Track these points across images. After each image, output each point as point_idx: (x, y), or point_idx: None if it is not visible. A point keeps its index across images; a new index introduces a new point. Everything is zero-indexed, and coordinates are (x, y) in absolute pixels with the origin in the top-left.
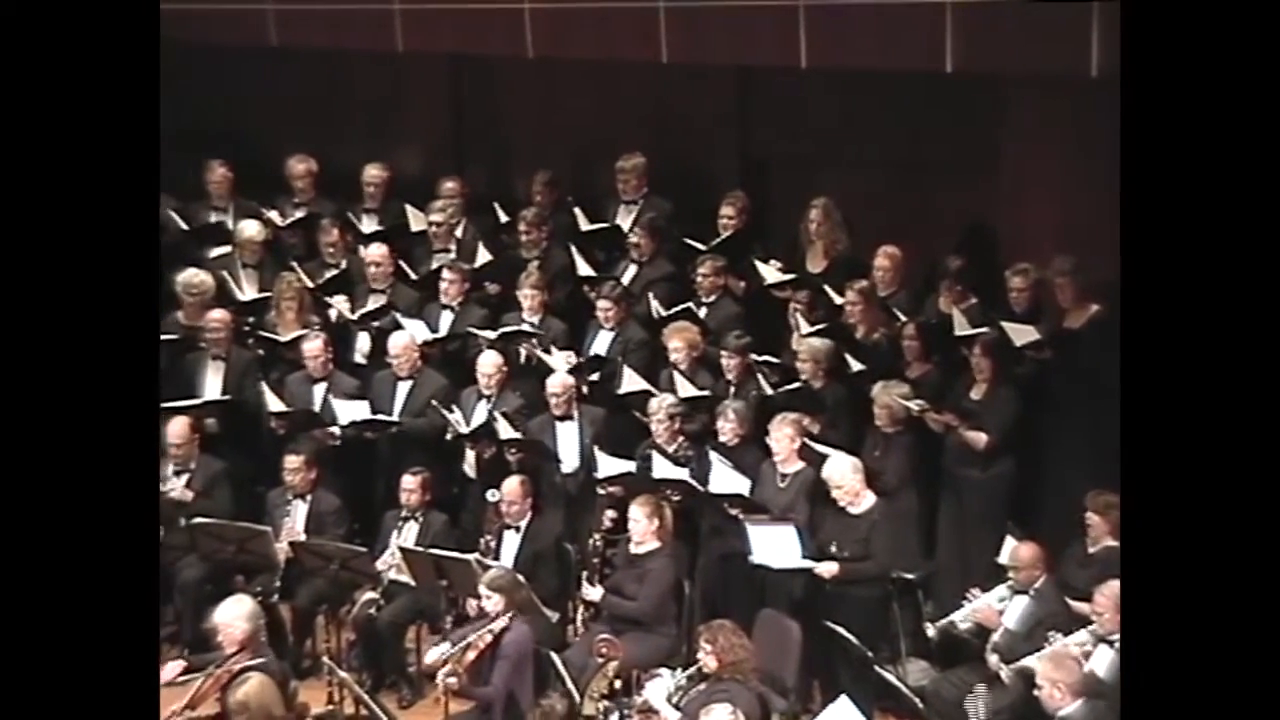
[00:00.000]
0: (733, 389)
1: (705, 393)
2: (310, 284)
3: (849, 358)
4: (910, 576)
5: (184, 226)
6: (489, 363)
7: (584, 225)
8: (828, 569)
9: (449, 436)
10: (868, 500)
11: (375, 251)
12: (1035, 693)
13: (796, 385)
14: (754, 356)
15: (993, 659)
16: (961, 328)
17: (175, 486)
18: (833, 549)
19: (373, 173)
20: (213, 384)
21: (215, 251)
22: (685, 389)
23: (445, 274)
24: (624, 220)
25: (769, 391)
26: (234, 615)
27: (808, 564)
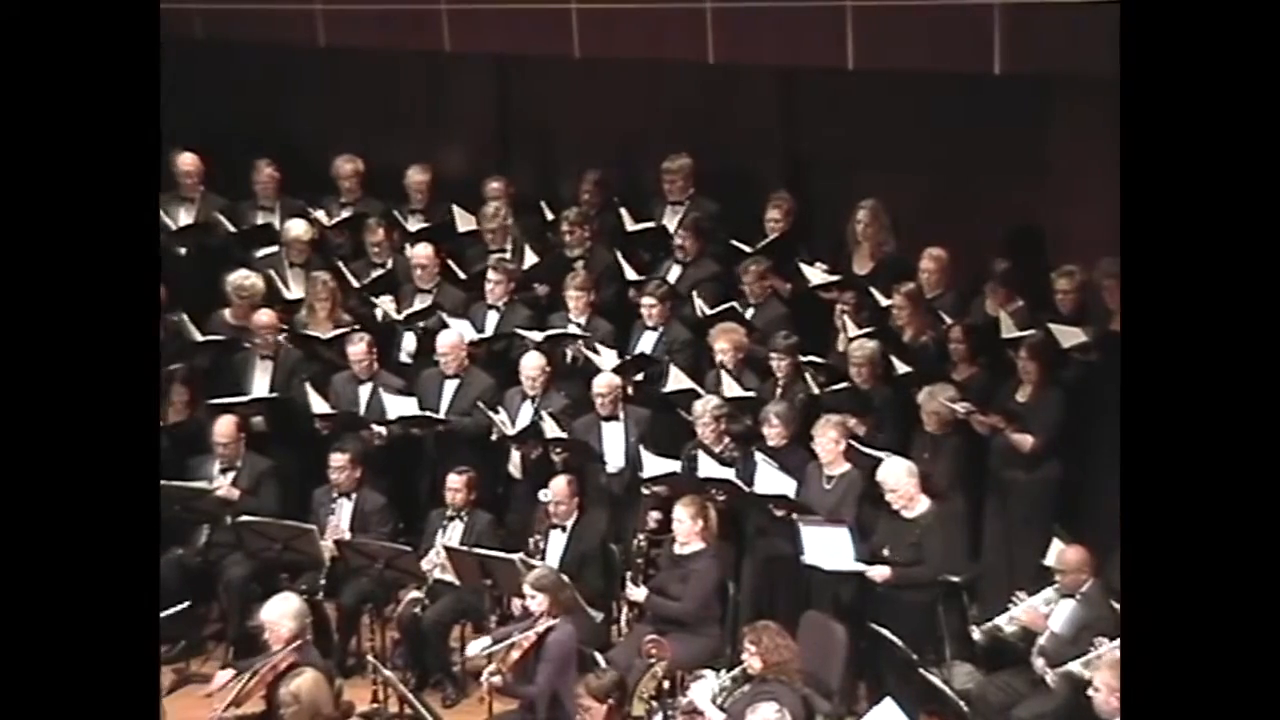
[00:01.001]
0: (780, 390)
1: (751, 393)
2: (356, 283)
3: (895, 360)
4: (956, 579)
5: (231, 228)
6: (533, 363)
7: (630, 226)
8: (879, 573)
9: (494, 437)
10: (922, 504)
11: (421, 252)
12: (1090, 694)
13: (843, 386)
14: (802, 358)
15: (1038, 663)
16: (1008, 330)
17: (222, 484)
18: (885, 553)
19: (417, 177)
20: (261, 383)
21: (262, 251)
22: (732, 389)
23: (491, 274)
24: (670, 221)
25: (816, 392)
26: (281, 613)
27: (860, 567)
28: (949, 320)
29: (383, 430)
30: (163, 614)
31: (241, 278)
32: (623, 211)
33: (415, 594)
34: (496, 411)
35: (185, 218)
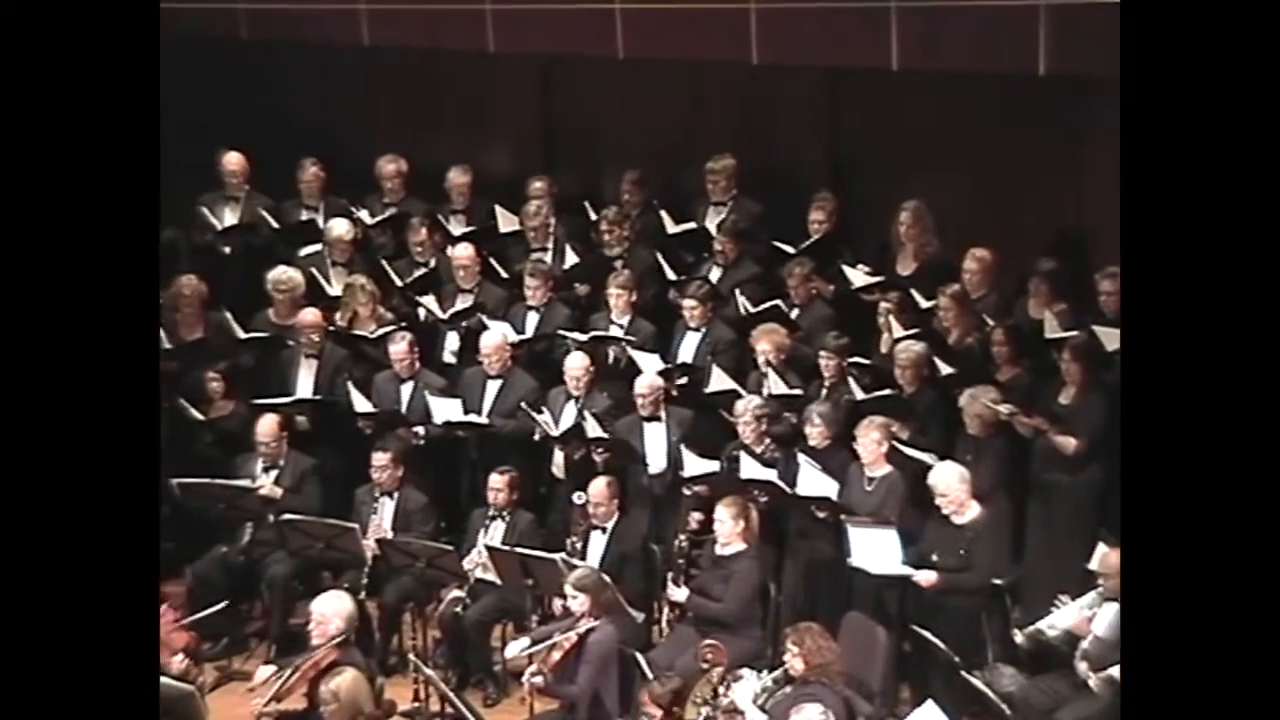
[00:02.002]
0: (825, 390)
1: (797, 391)
2: (399, 282)
3: (939, 361)
4: (999, 582)
5: (274, 225)
6: (577, 364)
7: (670, 228)
8: (926, 578)
9: (537, 437)
10: (972, 510)
11: (462, 252)
12: None
13: (887, 392)
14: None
15: (1081, 666)
16: (1052, 331)
17: (264, 483)
18: (934, 557)
19: (458, 179)
20: (305, 382)
21: (305, 250)
22: (777, 385)
23: (528, 278)
24: (712, 222)
25: (859, 394)
26: (332, 610)
27: (907, 571)
28: (992, 322)
29: (419, 429)
30: (205, 611)
31: (280, 273)
32: (663, 214)
33: (457, 593)
34: (540, 412)
35: (230, 217)
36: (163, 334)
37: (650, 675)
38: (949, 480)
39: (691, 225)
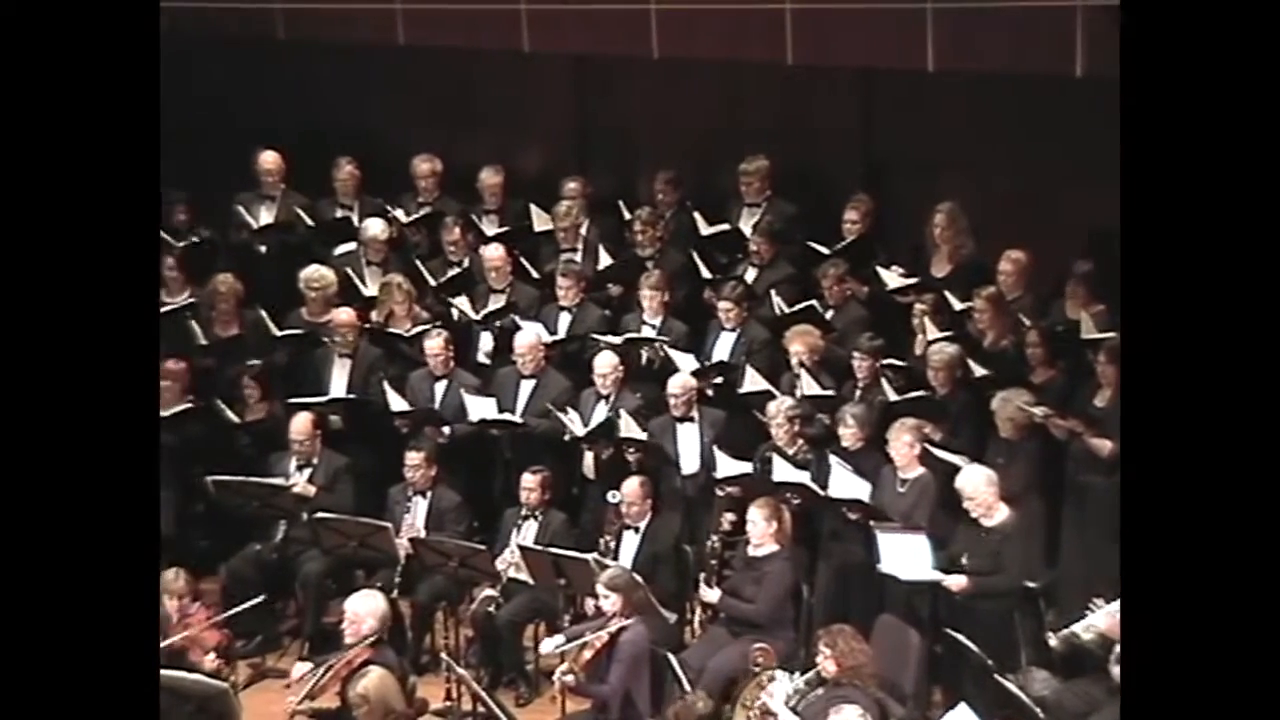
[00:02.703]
0: (859, 391)
1: (830, 392)
2: (432, 282)
3: (973, 363)
4: (1032, 585)
5: (310, 223)
6: (606, 363)
7: (704, 229)
8: (956, 582)
9: (568, 437)
10: (1001, 513)
11: (493, 253)
12: None
13: (920, 394)
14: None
15: (1115, 670)
16: (1089, 333)
17: (298, 481)
18: (963, 561)
19: (490, 179)
20: (339, 380)
21: (340, 249)
22: (810, 387)
23: (560, 278)
24: (746, 223)
25: (892, 396)
26: (365, 609)
27: (937, 576)
28: (1027, 323)
29: (447, 429)
30: (239, 608)
31: (313, 271)
32: (697, 215)
33: (489, 592)
34: (565, 412)
35: (266, 216)
36: (198, 331)
37: (682, 676)
38: (976, 483)
39: (725, 226)
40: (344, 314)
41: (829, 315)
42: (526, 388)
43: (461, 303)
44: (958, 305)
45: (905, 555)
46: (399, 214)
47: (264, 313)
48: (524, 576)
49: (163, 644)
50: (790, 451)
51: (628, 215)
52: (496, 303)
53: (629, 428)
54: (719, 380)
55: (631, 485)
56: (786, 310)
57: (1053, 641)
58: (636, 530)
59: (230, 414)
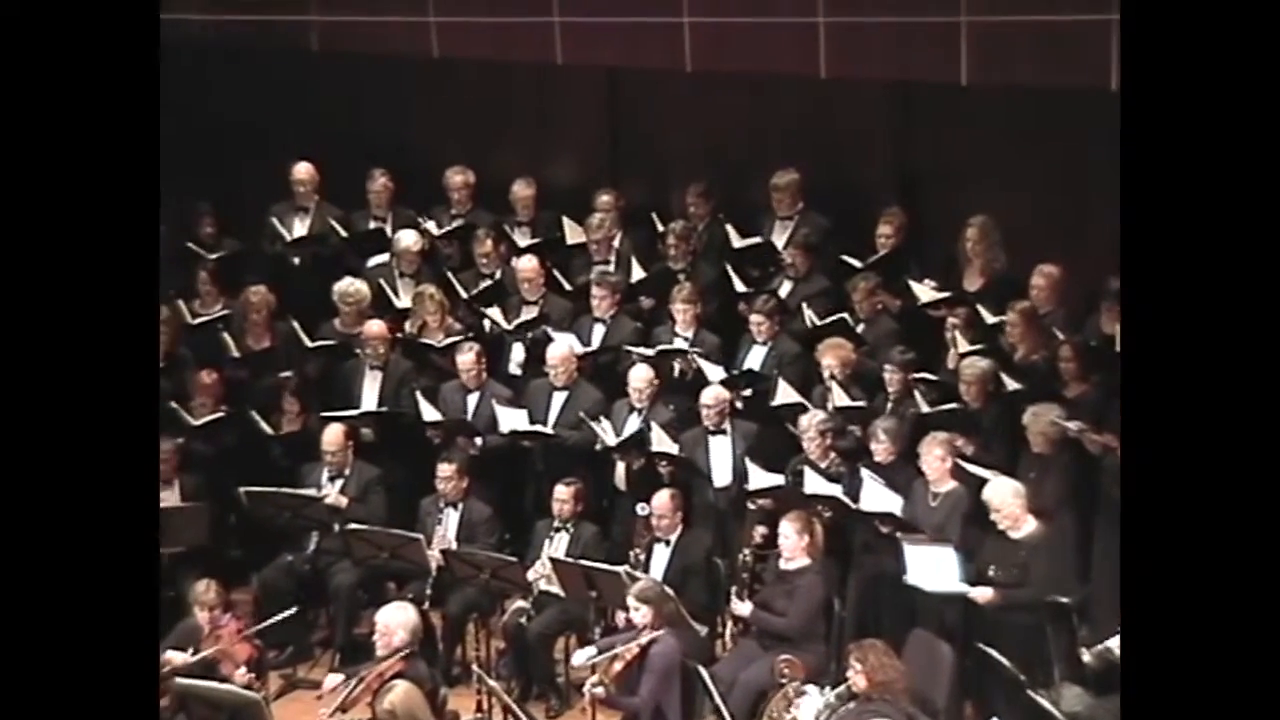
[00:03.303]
0: (890, 404)
1: (861, 403)
2: (465, 294)
3: (1006, 377)
4: (1065, 601)
5: (343, 233)
6: (640, 376)
7: (736, 242)
8: (983, 595)
9: (600, 448)
10: (1028, 525)
11: (526, 264)
12: None
13: (952, 406)
14: (913, 374)
15: None
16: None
17: (330, 492)
18: (990, 573)
19: (522, 191)
20: (370, 392)
21: (373, 260)
22: (841, 398)
23: (595, 289)
24: (779, 236)
25: (925, 409)
26: (397, 621)
27: (964, 588)
28: (1061, 337)
29: (479, 441)
30: (271, 620)
31: (348, 285)
32: (729, 228)
33: (520, 604)
34: (598, 421)
35: (300, 228)
36: (230, 343)
37: (713, 689)
38: (1003, 495)
39: (757, 240)
40: (375, 326)
41: (860, 329)
42: (559, 399)
43: (494, 313)
44: (990, 319)
45: (932, 567)
46: (431, 226)
47: (296, 324)
48: (555, 589)
49: (195, 656)
50: (822, 465)
51: (660, 228)
52: (529, 314)
53: (661, 441)
54: (749, 393)
55: (662, 498)
56: (818, 323)
57: (1086, 657)
58: (667, 543)
59: (265, 425)
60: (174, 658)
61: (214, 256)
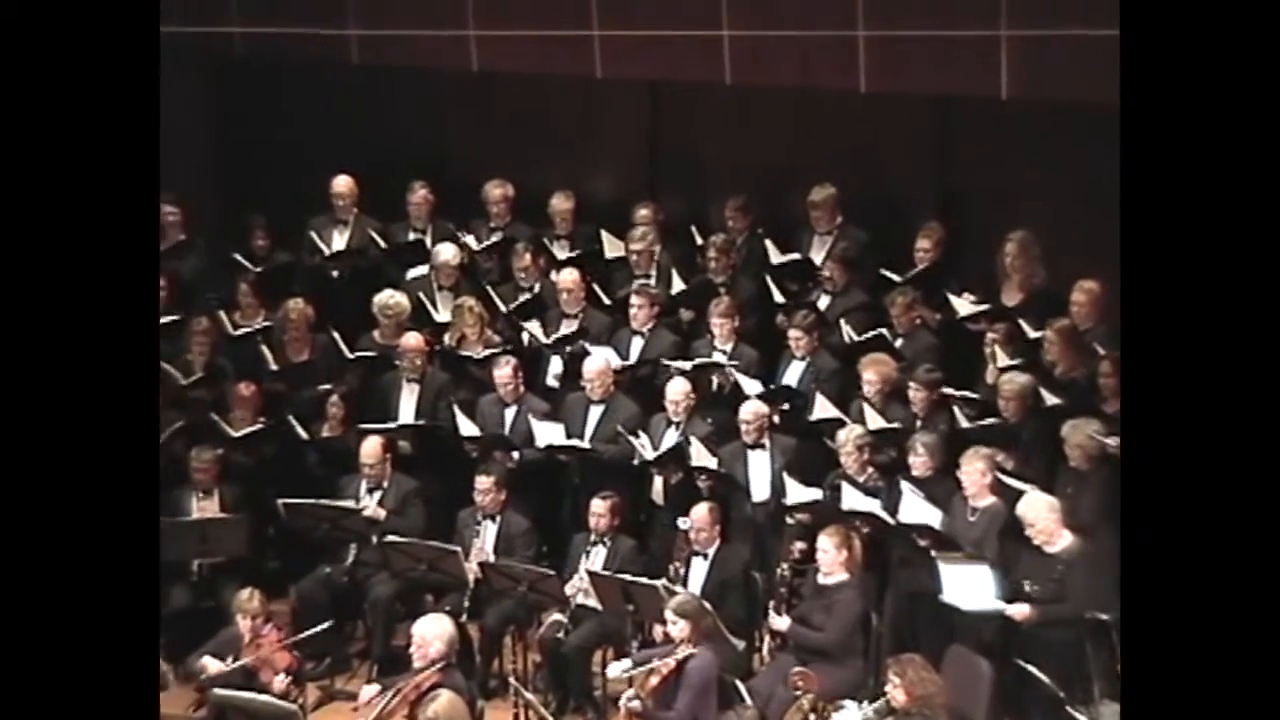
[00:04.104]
0: (919, 422)
1: (895, 425)
2: (504, 307)
3: (1045, 392)
4: (1105, 617)
5: (382, 245)
6: (678, 390)
7: (775, 258)
8: (1020, 611)
9: (637, 462)
10: (1064, 539)
11: (567, 278)
12: None
13: (991, 421)
14: (949, 390)
15: None
16: None
17: (368, 504)
18: (1027, 588)
19: (561, 205)
20: (407, 405)
21: (412, 273)
22: (875, 421)
23: (634, 300)
24: (818, 252)
25: (964, 424)
26: (433, 633)
27: (1000, 605)
28: (1102, 351)
29: (516, 454)
30: (309, 632)
31: (387, 297)
32: (768, 243)
33: (557, 617)
34: (637, 435)
35: (339, 241)
36: (269, 356)
37: (750, 703)
38: (1038, 510)
39: (795, 256)
40: (412, 339)
41: (898, 344)
42: (595, 413)
43: (533, 326)
44: (1031, 334)
45: (968, 585)
46: (470, 240)
47: (337, 335)
48: (593, 602)
49: (235, 663)
50: (860, 479)
51: (699, 241)
52: (568, 327)
53: (700, 455)
54: (786, 407)
55: (700, 511)
56: (856, 338)
57: None
58: (705, 557)
59: (301, 430)
60: (211, 665)
61: (256, 269)
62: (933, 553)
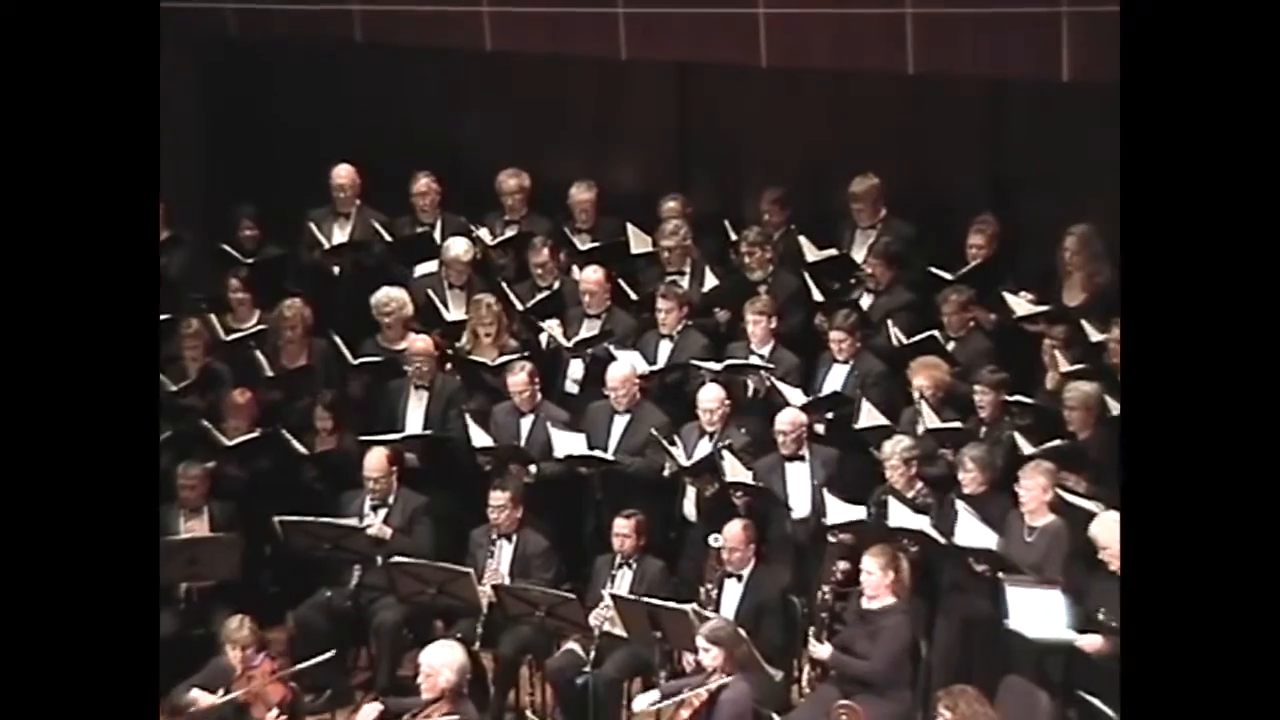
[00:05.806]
0: (984, 428)
1: (956, 424)
2: (520, 306)
3: (1111, 401)
4: None
5: (387, 237)
6: (711, 396)
7: (810, 255)
8: (1092, 643)
9: (667, 473)
10: None
11: (590, 276)
12: None
13: (1058, 444)
14: (1006, 395)
15: None
16: None
17: (373, 522)
18: (1100, 617)
19: (581, 195)
20: (415, 414)
21: (420, 270)
22: (931, 420)
23: (661, 301)
24: (860, 248)
25: (1026, 447)
26: (442, 661)
27: (1071, 636)
28: None
29: (533, 467)
30: (309, 662)
31: (384, 295)
32: (803, 240)
33: (571, 645)
34: (674, 444)
35: (339, 235)
36: (264, 361)
37: None
38: (1112, 531)
39: (832, 252)
40: (420, 342)
41: (950, 346)
42: (620, 424)
43: (552, 326)
44: (1095, 336)
45: (1037, 611)
46: (484, 234)
47: (338, 338)
48: (618, 629)
49: (225, 697)
50: (908, 495)
51: (733, 236)
52: (590, 329)
53: (734, 469)
54: (830, 415)
55: (734, 529)
56: (905, 341)
57: None
58: (739, 578)
59: (297, 444)
60: (201, 699)
61: (249, 262)
62: (999, 574)
